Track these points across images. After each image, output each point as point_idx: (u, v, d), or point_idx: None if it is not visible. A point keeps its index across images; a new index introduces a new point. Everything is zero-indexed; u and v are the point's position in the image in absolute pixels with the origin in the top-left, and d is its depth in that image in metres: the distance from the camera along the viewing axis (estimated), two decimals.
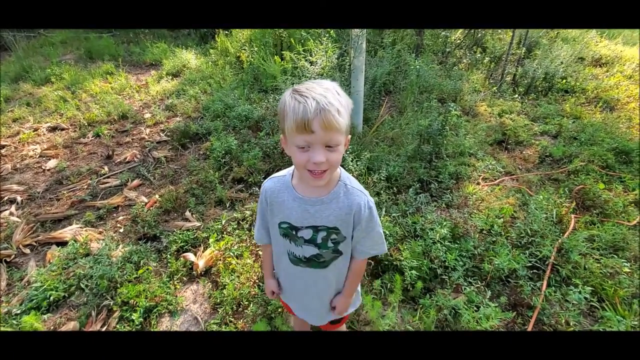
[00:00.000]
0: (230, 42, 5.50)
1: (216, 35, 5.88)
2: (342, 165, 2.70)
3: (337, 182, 0.93)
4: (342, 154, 0.84)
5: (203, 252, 2.12)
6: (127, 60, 6.02)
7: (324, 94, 0.75)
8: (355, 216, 0.93)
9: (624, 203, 2.37)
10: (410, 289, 1.84)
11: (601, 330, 1.64)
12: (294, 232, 0.97)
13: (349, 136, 0.87)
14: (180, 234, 2.24)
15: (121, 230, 2.39)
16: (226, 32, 5.78)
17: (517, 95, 4.02)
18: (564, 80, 4.23)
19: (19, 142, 3.58)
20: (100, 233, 2.39)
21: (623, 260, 1.94)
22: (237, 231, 2.28)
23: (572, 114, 3.63)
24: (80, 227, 2.45)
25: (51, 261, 2.12)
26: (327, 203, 0.92)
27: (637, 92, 4.09)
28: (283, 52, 3.97)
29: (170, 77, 5.12)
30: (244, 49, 5.02)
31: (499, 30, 5.33)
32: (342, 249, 0.99)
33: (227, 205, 2.55)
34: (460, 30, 5.50)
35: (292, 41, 3.98)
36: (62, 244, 2.31)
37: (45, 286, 1.92)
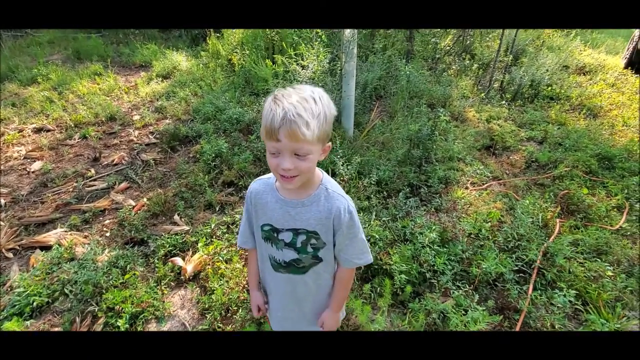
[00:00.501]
0: (222, 45, 5.48)
1: (207, 38, 5.85)
2: (332, 169, 2.71)
3: (318, 186, 0.94)
4: (315, 161, 0.85)
5: (191, 256, 2.09)
6: (116, 61, 5.94)
7: (295, 104, 0.76)
8: (335, 220, 0.93)
9: (606, 208, 2.44)
10: (400, 293, 1.85)
11: (585, 331, 1.68)
12: (275, 235, 0.98)
13: (329, 143, 0.88)
14: (168, 238, 2.21)
15: (107, 234, 2.35)
16: (218, 34, 5.76)
17: (504, 102, 4.10)
18: (550, 88, 4.34)
19: (3, 143, 3.49)
20: (85, 237, 2.34)
21: (606, 264, 1.99)
22: (226, 235, 2.26)
23: (557, 121, 3.72)
24: (65, 231, 2.40)
25: (35, 266, 2.07)
26: (307, 206, 0.93)
27: (619, 100, 4.21)
28: (275, 55, 3.98)
29: (160, 78, 5.07)
30: (236, 52, 5.01)
31: (487, 38, 5.44)
32: (322, 256, 0.99)
33: (217, 209, 2.53)
34: (450, 37, 5.60)
35: (284, 45, 3.99)
36: (46, 248, 2.25)
37: (28, 291, 1.87)
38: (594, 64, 5.35)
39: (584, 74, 5.14)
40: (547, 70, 4.43)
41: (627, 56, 5.33)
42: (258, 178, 1.03)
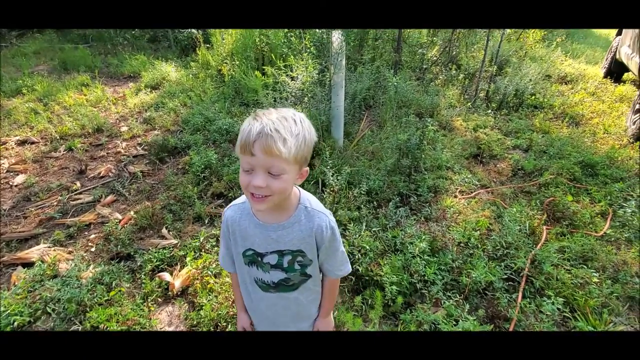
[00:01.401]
0: (212, 55, 5.49)
1: (197, 48, 5.86)
2: (322, 180, 2.70)
3: (297, 206, 0.92)
4: (290, 184, 0.82)
5: (179, 271, 2.05)
6: (104, 72, 5.89)
7: (274, 121, 0.75)
8: (318, 237, 0.93)
9: (591, 214, 2.49)
10: (391, 304, 1.84)
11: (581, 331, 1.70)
12: (259, 259, 0.96)
13: (306, 168, 0.86)
14: (155, 252, 2.17)
15: (92, 250, 2.29)
16: (207, 44, 5.78)
17: (490, 111, 4.19)
18: (533, 97, 4.46)
19: None
20: (69, 253, 2.28)
21: (592, 270, 2.03)
22: (215, 248, 2.23)
23: (541, 129, 3.82)
24: (49, 247, 2.33)
25: (16, 284, 2.00)
26: (288, 227, 0.91)
27: (600, 108, 4.35)
28: (265, 66, 4.00)
29: (149, 89, 5.03)
30: (226, 63, 5.02)
31: (472, 48, 5.58)
32: (310, 272, 0.99)
33: (206, 221, 2.50)
34: (436, 48, 5.72)
35: (273, 57, 4.02)
36: (28, 265, 2.18)
37: (9, 311, 1.80)
38: (574, 74, 5.53)
39: (566, 83, 5.31)
40: (531, 79, 4.56)
41: (606, 66, 5.53)
42: (232, 204, 1.00)
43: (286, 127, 0.76)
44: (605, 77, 5.50)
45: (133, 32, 7.41)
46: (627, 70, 4.96)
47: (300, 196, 0.94)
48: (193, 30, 6.18)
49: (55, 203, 2.77)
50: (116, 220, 2.48)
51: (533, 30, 6.28)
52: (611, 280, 2.01)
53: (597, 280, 1.96)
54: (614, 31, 5.88)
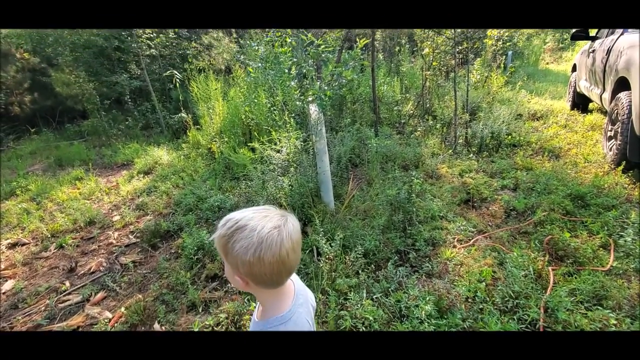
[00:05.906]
0: (202, 135, 5.78)
1: (188, 130, 6.18)
2: (317, 248, 2.63)
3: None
4: (229, 275, 0.88)
5: None
6: (98, 163, 6.10)
7: (226, 225, 0.85)
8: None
9: (592, 248, 2.44)
10: None
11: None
12: None
13: (246, 280, 0.84)
14: None
15: None
16: (197, 126, 6.11)
17: (471, 155, 4.34)
18: (510, 136, 4.66)
19: None
20: None
21: (608, 310, 1.92)
22: None
23: (524, 166, 3.92)
24: None
25: None
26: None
27: (575, 139, 4.54)
28: (252, 142, 4.20)
29: (142, 175, 5.18)
30: (215, 140, 5.26)
31: (444, 99, 5.98)
32: None
33: (200, 309, 2.38)
34: (411, 102, 6.13)
35: (255, 134, 4.26)
36: None
37: None
38: (543, 110, 5.87)
39: (537, 120, 5.60)
40: (504, 121, 4.82)
41: (570, 99, 5.92)
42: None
43: (220, 226, 0.87)
44: (572, 109, 5.84)
45: (127, 122, 7.86)
46: (590, 100, 5.30)
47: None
48: (183, 114, 6.59)
49: (43, 308, 2.65)
50: (106, 320, 2.35)
51: (496, 75, 6.82)
52: (630, 318, 1.90)
53: (615, 322, 1.84)
54: (570, 67, 6.40)
